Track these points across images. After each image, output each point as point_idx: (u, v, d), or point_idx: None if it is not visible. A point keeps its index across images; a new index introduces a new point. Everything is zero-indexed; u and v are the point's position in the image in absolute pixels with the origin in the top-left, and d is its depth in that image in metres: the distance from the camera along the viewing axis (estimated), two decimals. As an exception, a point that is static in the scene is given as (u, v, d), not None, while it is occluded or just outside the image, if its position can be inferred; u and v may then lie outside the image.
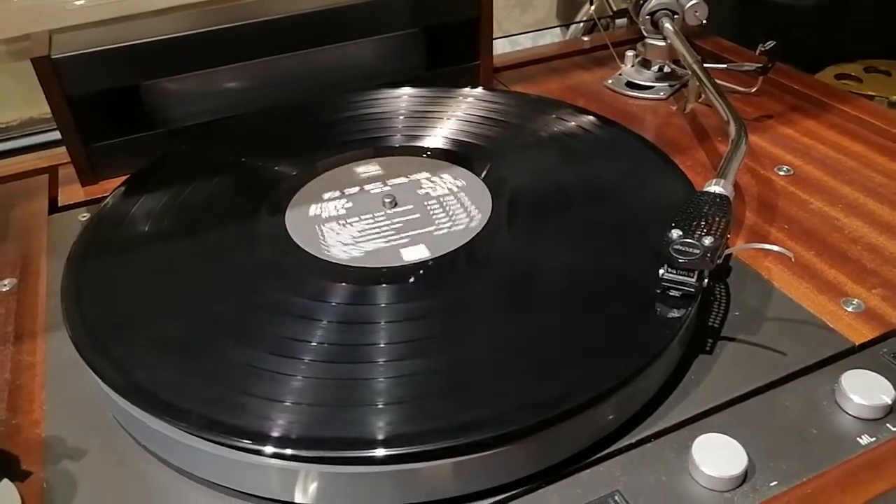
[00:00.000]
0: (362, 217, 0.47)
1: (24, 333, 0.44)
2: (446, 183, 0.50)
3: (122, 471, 0.35)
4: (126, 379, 0.35)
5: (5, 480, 0.34)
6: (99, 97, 0.55)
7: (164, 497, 0.34)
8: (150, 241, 0.46)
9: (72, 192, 0.57)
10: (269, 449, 0.31)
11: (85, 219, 0.53)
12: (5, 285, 0.47)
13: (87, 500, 0.34)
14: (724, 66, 0.63)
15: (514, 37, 0.88)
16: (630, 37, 0.77)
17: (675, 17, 0.66)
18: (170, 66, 0.57)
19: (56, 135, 0.62)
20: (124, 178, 0.53)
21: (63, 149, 0.57)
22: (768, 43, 0.60)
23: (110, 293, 0.41)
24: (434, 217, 0.46)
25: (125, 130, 0.57)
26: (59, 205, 0.56)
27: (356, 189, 0.50)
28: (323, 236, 0.45)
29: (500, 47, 0.79)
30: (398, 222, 0.46)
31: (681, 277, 0.37)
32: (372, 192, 0.49)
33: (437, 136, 0.55)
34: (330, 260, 0.43)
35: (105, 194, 0.52)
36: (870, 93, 0.87)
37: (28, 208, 0.56)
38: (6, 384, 0.40)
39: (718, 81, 0.58)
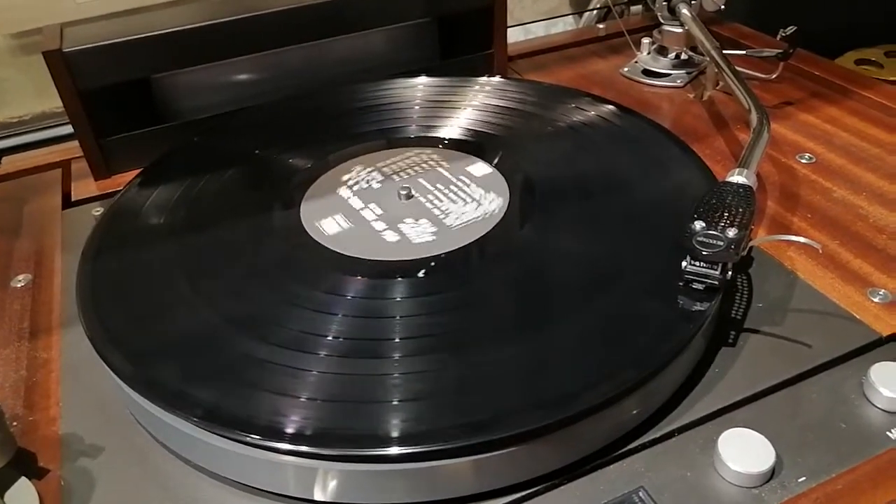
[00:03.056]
0: (377, 209, 0.46)
1: (39, 329, 0.43)
2: (463, 174, 0.49)
3: (139, 468, 0.35)
4: (143, 375, 0.35)
5: (23, 478, 0.33)
6: (111, 91, 0.55)
7: (181, 494, 0.33)
8: (165, 235, 0.45)
9: (85, 186, 0.57)
10: (284, 446, 0.31)
11: (98, 213, 0.53)
12: (20, 281, 0.47)
13: (105, 497, 0.33)
14: (743, 52, 0.62)
15: (526, 25, 0.87)
16: (646, 24, 0.76)
17: (693, 2, 0.65)
18: (181, 58, 0.57)
19: (68, 129, 0.61)
20: (137, 171, 0.52)
21: (75, 143, 0.57)
22: (789, 28, 0.59)
23: (125, 288, 0.41)
24: (450, 209, 0.46)
25: (137, 124, 0.57)
26: (73, 199, 0.56)
27: (371, 180, 0.49)
28: (338, 229, 0.44)
29: (513, 36, 0.78)
30: (413, 214, 0.45)
31: (704, 270, 0.36)
32: (387, 183, 0.49)
33: (454, 126, 0.54)
34: (345, 253, 0.42)
35: (118, 188, 0.52)
36: (891, 78, 0.86)
37: (42, 203, 0.55)
38: (22, 381, 0.40)
39: (738, 68, 0.57)
